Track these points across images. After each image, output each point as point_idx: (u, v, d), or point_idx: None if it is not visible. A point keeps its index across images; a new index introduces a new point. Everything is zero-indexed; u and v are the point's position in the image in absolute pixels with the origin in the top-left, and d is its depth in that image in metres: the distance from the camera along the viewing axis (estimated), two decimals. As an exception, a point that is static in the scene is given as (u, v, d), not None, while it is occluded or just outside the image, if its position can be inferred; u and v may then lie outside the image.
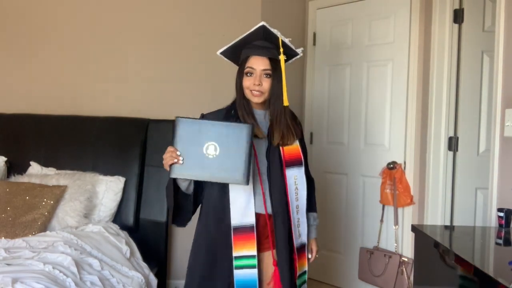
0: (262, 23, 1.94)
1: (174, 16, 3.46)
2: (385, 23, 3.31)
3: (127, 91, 3.44)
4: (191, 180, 1.88)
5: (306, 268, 2.08)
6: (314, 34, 3.72)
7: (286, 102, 1.96)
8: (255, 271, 1.93)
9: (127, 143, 3.23)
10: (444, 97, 2.98)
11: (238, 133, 1.79)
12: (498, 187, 2.29)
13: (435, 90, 2.99)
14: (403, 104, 3.23)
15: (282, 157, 1.99)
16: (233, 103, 2.03)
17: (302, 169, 2.05)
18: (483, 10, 2.97)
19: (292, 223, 2.00)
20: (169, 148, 1.79)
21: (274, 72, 1.95)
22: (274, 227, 1.96)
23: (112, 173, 3.12)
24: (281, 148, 2.00)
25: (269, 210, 1.96)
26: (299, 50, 2.07)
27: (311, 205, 2.11)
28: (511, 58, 2.24)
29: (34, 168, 3.11)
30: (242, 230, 1.93)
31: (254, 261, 1.93)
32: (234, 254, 1.92)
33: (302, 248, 2.04)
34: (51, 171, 3.10)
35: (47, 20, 3.43)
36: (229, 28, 3.45)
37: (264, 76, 1.95)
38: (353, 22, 3.50)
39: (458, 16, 2.94)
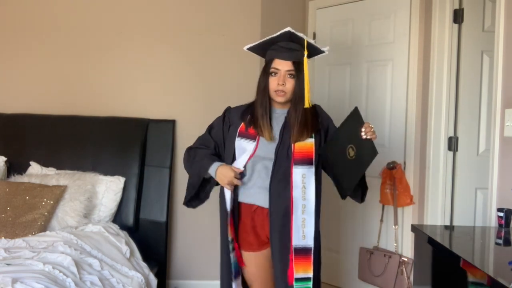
0: (288, 28, 2.01)
1: (174, 16, 3.46)
2: (385, 23, 3.30)
3: (127, 91, 3.44)
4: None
5: (310, 275, 2.01)
6: (314, 34, 3.71)
7: (307, 104, 2.02)
8: (232, 255, 2.09)
9: (127, 143, 3.23)
10: (444, 97, 2.97)
11: (357, 119, 2.08)
12: (498, 187, 2.29)
13: (435, 90, 2.99)
14: (403, 104, 3.23)
15: (292, 154, 2.04)
16: (253, 102, 2.12)
17: (312, 169, 2.05)
18: (483, 10, 2.96)
19: (293, 221, 2.00)
20: None
21: (297, 73, 2.03)
22: (269, 222, 2.02)
23: (112, 173, 3.12)
24: (292, 144, 2.05)
25: (264, 204, 2.05)
26: (325, 48, 2.12)
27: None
28: (511, 58, 2.24)
29: (34, 168, 3.11)
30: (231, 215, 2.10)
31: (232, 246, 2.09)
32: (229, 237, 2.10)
33: (305, 251, 2.01)
34: (51, 171, 3.10)
35: (47, 19, 3.43)
36: (229, 28, 3.45)
37: (288, 76, 2.03)
38: (353, 22, 3.50)
39: (458, 16, 2.94)
